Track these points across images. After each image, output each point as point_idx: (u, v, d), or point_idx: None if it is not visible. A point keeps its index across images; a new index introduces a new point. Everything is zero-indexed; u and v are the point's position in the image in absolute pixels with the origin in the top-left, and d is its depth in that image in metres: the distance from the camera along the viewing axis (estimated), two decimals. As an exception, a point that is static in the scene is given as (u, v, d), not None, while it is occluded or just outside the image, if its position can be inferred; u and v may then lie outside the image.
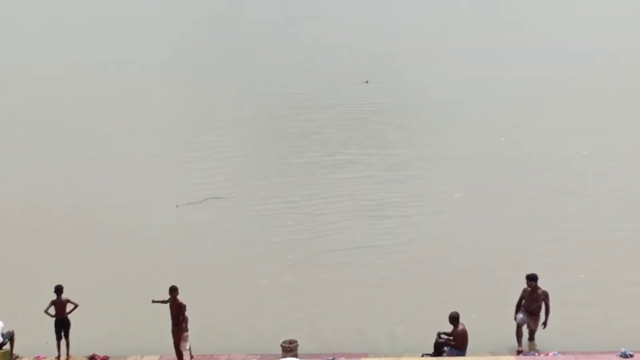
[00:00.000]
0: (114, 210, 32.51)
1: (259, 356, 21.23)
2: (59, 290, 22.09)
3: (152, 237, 29.98)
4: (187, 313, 20.97)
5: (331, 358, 19.72)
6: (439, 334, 21.07)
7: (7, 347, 21.96)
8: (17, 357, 22.21)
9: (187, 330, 21.01)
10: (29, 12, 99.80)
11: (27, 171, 37.47)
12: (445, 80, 55.77)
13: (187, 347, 21.11)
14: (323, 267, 27.19)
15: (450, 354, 20.62)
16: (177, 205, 32.22)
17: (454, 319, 20.77)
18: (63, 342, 22.11)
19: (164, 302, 21.25)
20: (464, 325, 20.80)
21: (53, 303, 21.96)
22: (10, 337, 21.96)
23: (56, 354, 22.16)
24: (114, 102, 51.22)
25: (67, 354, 22.22)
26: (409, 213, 31.92)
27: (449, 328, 20.93)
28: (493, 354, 21.17)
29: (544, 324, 21.70)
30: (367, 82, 55.70)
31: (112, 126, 45.26)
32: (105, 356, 21.99)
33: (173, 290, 21.16)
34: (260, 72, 59.81)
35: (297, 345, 20.88)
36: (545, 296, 21.60)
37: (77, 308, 22.18)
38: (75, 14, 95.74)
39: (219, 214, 32.06)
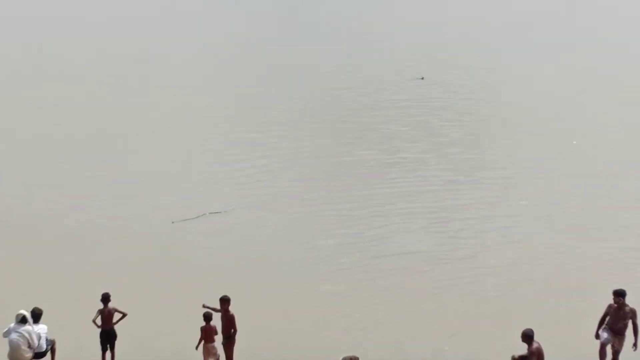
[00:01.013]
0: (156, 211, 31.25)
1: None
2: (105, 298, 20.93)
3: (190, 243, 28.71)
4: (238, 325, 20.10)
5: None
6: (513, 358, 19.50)
7: (47, 357, 20.75)
8: (57, 367, 21.06)
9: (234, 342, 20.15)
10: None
11: (65, 169, 36.44)
12: (508, 78, 54.51)
13: None
14: (384, 274, 25.91)
15: (528, 376, 18.98)
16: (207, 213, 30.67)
17: (528, 337, 19.10)
18: (108, 354, 21.09)
19: (215, 310, 20.27)
20: (539, 343, 19.11)
21: (100, 312, 20.73)
22: (51, 345, 20.74)
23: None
24: (159, 98, 50.27)
25: (114, 369, 21.08)
26: (471, 217, 30.56)
27: (519, 345, 19.27)
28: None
29: (635, 345, 20.01)
30: (422, 78, 54.59)
31: (157, 123, 44.39)
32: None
33: (225, 302, 20.13)
34: (312, 68, 58.66)
35: (360, 364, 19.46)
36: (633, 314, 20.00)
37: (125, 317, 20.96)
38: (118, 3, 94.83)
39: (266, 217, 30.78)
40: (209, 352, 20.33)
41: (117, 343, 21.03)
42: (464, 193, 33.07)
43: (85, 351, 21.61)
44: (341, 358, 19.38)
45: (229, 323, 20.03)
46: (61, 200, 32.12)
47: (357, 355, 19.50)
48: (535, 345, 19.01)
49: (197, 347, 20.45)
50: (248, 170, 35.72)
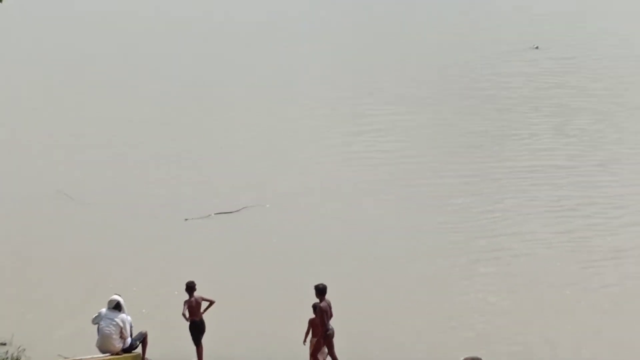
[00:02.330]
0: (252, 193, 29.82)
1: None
2: (190, 288, 19.66)
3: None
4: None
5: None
6: None
7: (138, 350, 19.52)
8: (148, 362, 19.88)
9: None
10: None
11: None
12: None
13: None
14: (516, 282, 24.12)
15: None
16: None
17: None
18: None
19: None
20: None
21: (187, 303, 19.48)
22: (142, 338, 19.50)
23: (194, 361, 19.84)
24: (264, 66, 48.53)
25: (201, 363, 19.93)
26: (608, 203, 28.47)
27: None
28: None
29: None
30: (537, 47, 51.77)
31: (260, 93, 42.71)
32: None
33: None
34: (424, 42, 55.63)
35: (482, 365, 17.98)
36: None
37: (213, 305, 19.68)
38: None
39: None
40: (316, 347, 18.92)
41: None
42: (596, 174, 31.09)
43: (175, 344, 20.59)
44: (462, 358, 18.19)
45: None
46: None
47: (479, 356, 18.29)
48: None
49: (304, 342, 19.13)
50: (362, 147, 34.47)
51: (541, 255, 25.06)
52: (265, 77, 45.43)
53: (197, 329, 19.70)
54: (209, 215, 27.81)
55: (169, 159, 33.25)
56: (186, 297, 19.64)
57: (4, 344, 20.60)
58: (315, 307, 18.83)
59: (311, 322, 19.00)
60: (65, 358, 18.62)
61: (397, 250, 25.50)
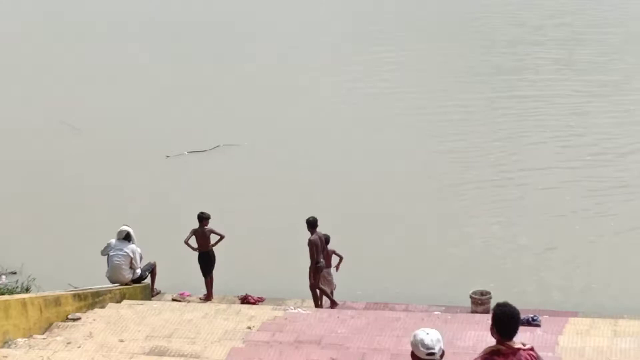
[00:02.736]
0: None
1: (443, 308, 18.43)
2: (201, 218, 19.42)
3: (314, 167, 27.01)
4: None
5: (531, 315, 16.54)
6: None
7: (147, 280, 19.57)
8: (158, 292, 19.96)
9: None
10: None
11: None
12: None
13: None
14: (523, 211, 23.96)
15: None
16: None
17: None
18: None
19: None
20: None
21: (194, 233, 19.26)
22: (151, 269, 19.52)
23: (203, 292, 19.65)
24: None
25: (210, 293, 19.79)
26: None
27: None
28: None
29: None
30: None
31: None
32: (260, 297, 19.42)
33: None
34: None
35: (490, 298, 18.01)
36: None
37: (223, 240, 19.47)
38: None
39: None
40: (324, 279, 18.81)
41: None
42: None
43: (184, 275, 20.51)
44: (470, 292, 18.21)
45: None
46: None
47: (488, 289, 18.25)
48: None
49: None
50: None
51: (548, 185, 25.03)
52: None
53: (205, 261, 19.62)
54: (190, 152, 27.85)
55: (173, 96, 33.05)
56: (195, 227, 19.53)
57: (14, 273, 20.73)
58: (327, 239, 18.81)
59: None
60: (75, 288, 18.50)
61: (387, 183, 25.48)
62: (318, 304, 18.96)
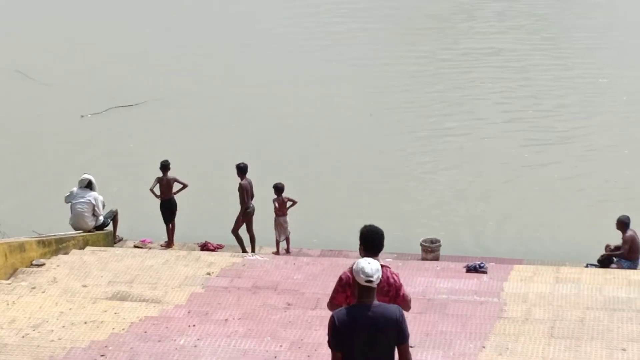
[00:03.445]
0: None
1: (395, 255, 18.52)
2: (164, 166, 19.44)
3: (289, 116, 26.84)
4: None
5: (478, 262, 16.78)
6: (607, 247, 17.81)
7: (109, 227, 19.53)
8: (120, 239, 19.92)
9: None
10: None
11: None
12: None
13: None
14: (475, 162, 23.97)
15: (620, 266, 17.34)
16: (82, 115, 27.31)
17: (623, 223, 17.41)
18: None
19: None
20: (634, 231, 17.43)
21: (158, 181, 19.29)
22: (113, 216, 19.48)
23: (164, 239, 19.68)
24: None
25: (171, 240, 19.73)
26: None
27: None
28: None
29: None
30: None
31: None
32: (219, 245, 19.47)
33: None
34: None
35: (440, 246, 18.37)
36: None
37: (186, 189, 19.48)
38: None
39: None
40: (280, 226, 18.99)
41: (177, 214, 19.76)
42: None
43: (145, 223, 20.47)
44: (421, 240, 18.39)
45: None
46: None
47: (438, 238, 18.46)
48: (629, 233, 17.41)
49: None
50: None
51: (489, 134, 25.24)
52: None
53: (168, 209, 19.63)
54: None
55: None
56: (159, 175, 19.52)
57: (-21, 220, 20.52)
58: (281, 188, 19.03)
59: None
60: (39, 234, 18.44)
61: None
62: (244, 248, 19.15)
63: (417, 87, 28.40)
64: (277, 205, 18.98)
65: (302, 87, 28.68)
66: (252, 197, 18.99)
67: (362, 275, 8.08)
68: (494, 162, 23.80)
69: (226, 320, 13.44)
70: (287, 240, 19.13)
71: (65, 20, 34.49)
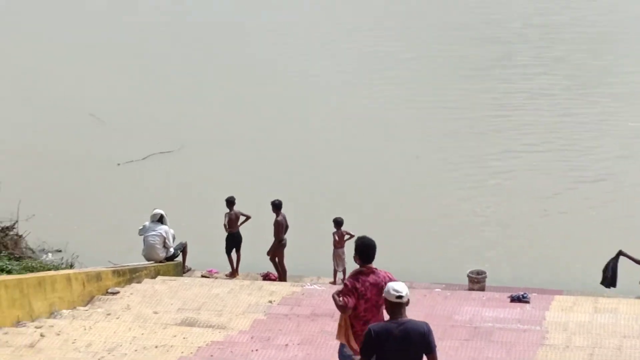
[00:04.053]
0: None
1: (443, 285, 18.63)
2: (230, 202, 19.89)
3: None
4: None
5: (522, 292, 16.87)
6: None
7: (179, 258, 19.95)
8: (189, 269, 20.29)
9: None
10: None
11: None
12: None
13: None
14: (516, 198, 24.07)
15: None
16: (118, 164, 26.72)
17: None
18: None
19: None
20: None
21: (227, 216, 19.71)
22: (182, 248, 19.89)
23: (229, 269, 20.07)
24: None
25: (236, 270, 20.17)
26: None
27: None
28: None
29: None
30: None
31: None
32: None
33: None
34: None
35: (485, 277, 18.52)
36: None
37: (249, 220, 19.92)
38: None
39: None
40: (339, 257, 19.34)
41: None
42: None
43: (211, 254, 20.78)
44: (468, 271, 18.49)
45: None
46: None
47: (484, 269, 18.58)
48: None
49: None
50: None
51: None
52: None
53: (234, 241, 20.03)
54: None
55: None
56: (226, 211, 19.91)
57: (60, 251, 20.85)
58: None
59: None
60: (114, 264, 18.80)
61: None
62: (280, 274, 19.52)
63: (459, 127, 28.32)
64: (336, 237, 19.23)
65: (351, 127, 28.67)
66: (285, 230, 19.42)
67: (392, 292, 8.75)
68: (533, 198, 23.79)
69: (286, 345, 13.59)
70: (344, 271, 19.26)
71: (137, 65, 34.62)
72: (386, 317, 9.23)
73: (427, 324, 8.84)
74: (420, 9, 41.47)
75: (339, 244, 19.20)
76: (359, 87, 32.03)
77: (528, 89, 31.59)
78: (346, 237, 19.18)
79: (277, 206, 19.29)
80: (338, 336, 10.44)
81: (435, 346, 8.74)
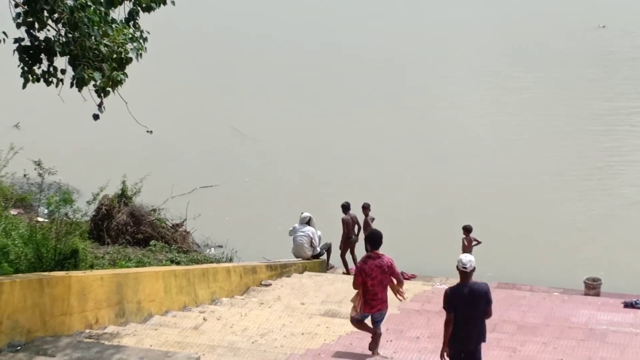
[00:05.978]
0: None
1: (561, 290, 18.05)
2: (366, 208, 19.52)
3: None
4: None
5: (635, 299, 16.18)
6: None
7: (324, 257, 20.02)
8: (332, 267, 20.36)
9: None
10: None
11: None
12: None
13: None
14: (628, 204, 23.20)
15: None
16: None
17: None
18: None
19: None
20: None
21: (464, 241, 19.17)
22: (327, 248, 19.96)
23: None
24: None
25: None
26: None
27: None
28: None
29: None
30: (603, 27, 40.80)
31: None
32: (413, 274, 19.43)
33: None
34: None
35: (601, 284, 17.78)
36: None
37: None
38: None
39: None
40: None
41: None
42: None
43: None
44: (584, 278, 17.84)
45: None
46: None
47: (599, 277, 17.88)
48: None
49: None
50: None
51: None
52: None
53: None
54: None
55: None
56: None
57: (221, 246, 21.14)
58: None
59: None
60: (268, 260, 19.00)
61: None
62: (347, 270, 19.29)
63: (586, 142, 27.43)
64: (465, 243, 18.85)
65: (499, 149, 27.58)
66: (356, 228, 19.38)
67: (459, 264, 9.95)
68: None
69: (417, 337, 13.41)
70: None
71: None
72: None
73: (486, 284, 10.24)
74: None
75: (467, 248, 18.79)
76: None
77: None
78: (474, 242, 18.79)
79: (345, 207, 19.43)
80: (353, 299, 11.82)
81: (491, 301, 10.09)
